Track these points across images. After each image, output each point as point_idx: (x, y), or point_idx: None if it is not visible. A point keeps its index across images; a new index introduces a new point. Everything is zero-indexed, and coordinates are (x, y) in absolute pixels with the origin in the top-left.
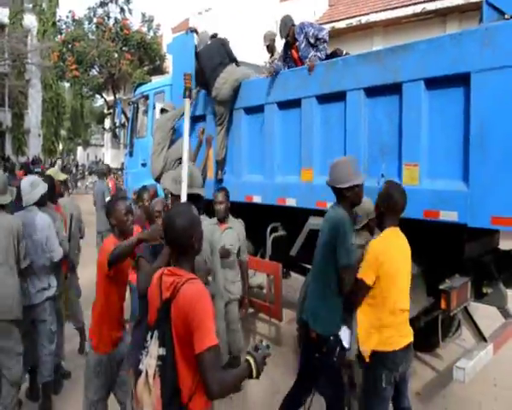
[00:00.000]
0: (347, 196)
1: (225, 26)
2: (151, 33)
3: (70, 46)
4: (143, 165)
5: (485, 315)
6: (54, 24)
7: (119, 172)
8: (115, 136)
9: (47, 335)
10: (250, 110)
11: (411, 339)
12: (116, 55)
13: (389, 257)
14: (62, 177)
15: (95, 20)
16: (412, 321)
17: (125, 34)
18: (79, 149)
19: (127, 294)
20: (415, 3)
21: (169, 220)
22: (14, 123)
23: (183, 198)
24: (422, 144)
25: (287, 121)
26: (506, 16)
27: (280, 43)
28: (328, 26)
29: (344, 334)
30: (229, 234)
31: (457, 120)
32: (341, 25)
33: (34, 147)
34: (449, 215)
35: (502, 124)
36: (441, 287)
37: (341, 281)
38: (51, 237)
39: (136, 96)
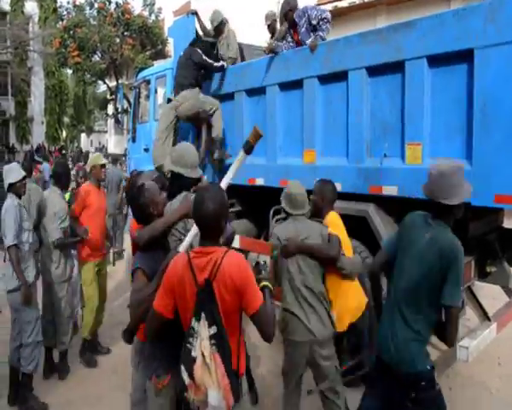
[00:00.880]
0: (454, 214)
1: (226, 8)
2: (152, 17)
3: (71, 32)
4: (146, 150)
5: (489, 294)
6: (55, 10)
7: (123, 158)
8: (118, 121)
9: (19, 324)
10: (252, 92)
11: None
12: (118, 41)
13: None
14: (103, 161)
15: (96, 5)
16: None
17: (126, 19)
18: (83, 135)
19: None
20: None
21: (201, 203)
22: (17, 111)
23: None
24: (425, 123)
25: (288, 102)
26: None
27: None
28: (330, 6)
29: None
30: None
31: (460, 97)
32: (344, 4)
33: (38, 135)
34: None
35: (505, 101)
36: None
37: (450, 324)
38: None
39: (137, 81)
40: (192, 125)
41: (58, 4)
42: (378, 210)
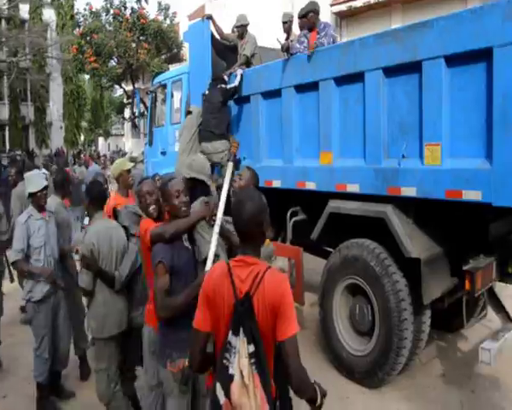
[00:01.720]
0: None
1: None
2: (167, 21)
3: (88, 38)
4: (163, 153)
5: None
6: (72, 17)
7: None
8: (135, 125)
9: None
10: (267, 95)
11: None
12: (134, 45)
13: None
14: (129, 166)
15: (112, 11)
16: (436, 302)
17: (141, 24)
18: (100, 139)
19: None
20: None
21: (238, 206)
22: (36, 117)
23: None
24: (444, 123)
25: (305, 105)
26: None
27: (296, 26)
28: (344, 6)
29: None
30: None
31: (480, 96)
32: (358, 3)
33: (57, 139)
34: (472, 195)
35: None
36: (465, 268)
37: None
38: None
39: (154, 85)
40: None
41: (75, 11)
42: (396, 211)
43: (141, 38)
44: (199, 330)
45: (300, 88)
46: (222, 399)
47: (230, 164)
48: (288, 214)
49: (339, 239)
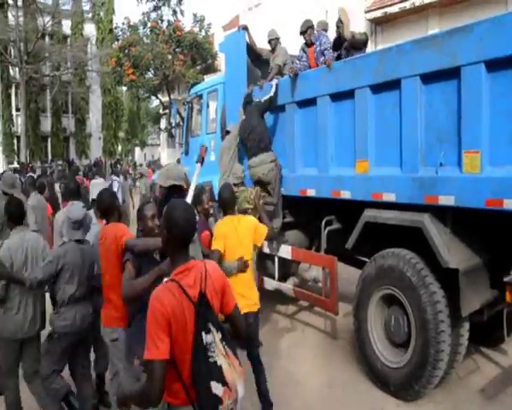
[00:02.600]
0: None
1: (275, 20)
2: (203, 33)
3: (126, 51)
4: None
5: None
6: (111, 31)
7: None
8: (171, 135)
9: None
10: (302, 104)
11: None
12: (170, 57)
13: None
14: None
15: (149, 24)
16: (475, 315)
17: (177, 36)
18: (137, 149)
19: None
20: None
21: (174, 219)
22: (76, 128)
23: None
24: (483, 130)
25: (340, 113)
26: None
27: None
28: (380, 12)
29: None
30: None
31: None
32: (394, 9)
33: (95, 149)
34: None
35: None
36: (506, 279)
37: None
38: None
39: (190, 95)
40: None
41: (114, 25)
42: (434, 220)
43: (177, 49)
44: (161, 361)
45: (336, 96)
46: (220, 391)
47: (198, 165)
48: (323, 223)
49: (374, 249)
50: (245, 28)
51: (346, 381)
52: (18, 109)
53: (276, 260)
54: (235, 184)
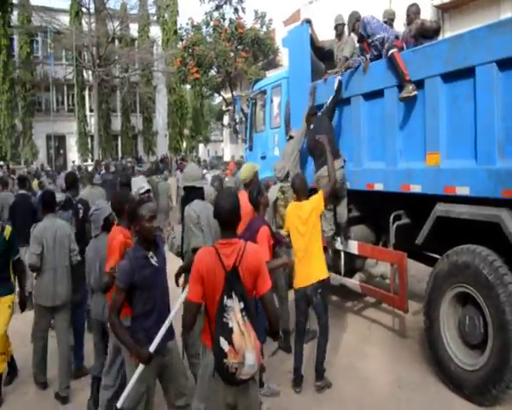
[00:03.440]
0: None
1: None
2: (264, 29)
3: (190, 51)
4: (263, 158)
5: None
6: (175, 32)
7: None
8: (236, 131)
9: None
10: (369, 96)
11: None
12: (232, 55)
13: None
14: (257, 168)
15: (211, 23)
16: None
17: (239, 33)
18: (201, 145)
19: None
20: None
21: (220, 204)
22: (144, 126)
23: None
24: None
25: (409, 104)
26: None
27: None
28: None
29: None
30: None
31: None
32: None
33: (162, 147)
34: None
35: None
36: None
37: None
38: None
39: (254, 91)
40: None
41: (178, 26)
42: None
43: (239, 46)
44: (193, 302)
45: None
46: (226, 348)
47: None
48: (391, 218)
49: (446, 245)
50: (308, 22)
51: (416, 381)
52: (91, 110)
53: (342, 255)
54: (281, 180)
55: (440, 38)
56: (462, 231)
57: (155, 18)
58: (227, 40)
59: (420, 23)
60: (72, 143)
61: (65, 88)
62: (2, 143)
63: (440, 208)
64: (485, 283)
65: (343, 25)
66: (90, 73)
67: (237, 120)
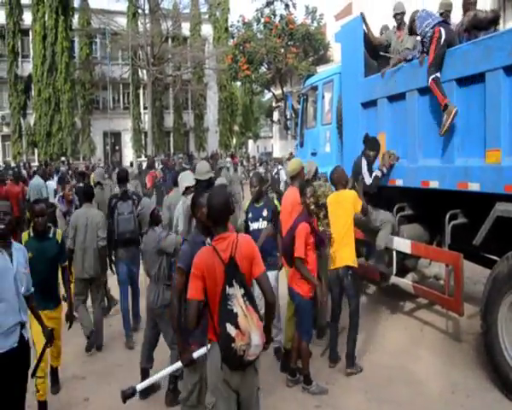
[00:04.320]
0: None
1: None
2: (315, 24)
3: (241, 48)
4: (313, 154)
5: None
6: (226, 30)
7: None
8: (286, 127)
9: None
10: (425, 90)
11: None
12: (282, 51)
13: None
14: (302, 164)
15: (262, 20)
16: None
17: (290, 29)
18: (250, 141)
19: None
20: None
21: (210, 202)
22: (195, 123)
23: None
24: None
25: (467, 99)
26: None
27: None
28: None
29: None
30: None
31: None
32: None
33: (212, 143)
34: None
35: None
36: None
37: None
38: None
39: (305, 87)
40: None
41: (229, 24)
42: None
43: (289, 43)
44: (194, 299)
45: (463, 81)
46: (233, 332)
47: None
48: (447, 217)
49: (506, 246)
50: (362, 16)
51: (471, 387)
52: (145, 108)
53: (394, 254)
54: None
55: (501, 28)
56: None
57: (207, 16)
58: (278, 36)
59: (472, 15)
60: (127, 140)
61: (121, 87)
62: (63, 140)
63: (500, 208)
64: None
65: (403, 14)
66: (144, 72)
67: (288, 117)
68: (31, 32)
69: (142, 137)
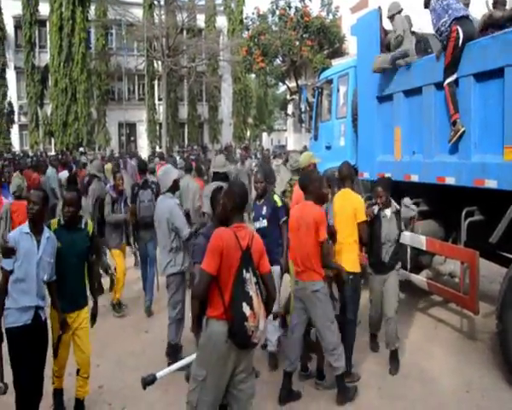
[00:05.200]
0: None
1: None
2: (330, 17)
3: (256, 40)
4: (327, 148)
5: None
6: (241, 22)
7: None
8: (301, 121)
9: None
10: (441, 86)
11: None
12: (297, 43)
13: None
14: (315, 160)
15: (277, 12)
16: None
17: (305, 22)
18: (264, 134)
19: None
20: None
21: (236, 192)
22: (209, 115)
23: None
24: None
25: (486, 94)
26: None
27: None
28: None
29: None
30: None
31: None
32: None
33: (226, 135)
34: None
35: None
36: None
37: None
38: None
39: (320, 80)
40: None
41: (244, 16)
42: None
43: (304, 35)
44: (208, 272)
45: (481, 76)
46: (248, 312)
47: None
48: (463, 214)
49: None
50: (379, 9)
51: (486, 387)
52: (160, 99)
53: (409, 250)
54: (293, 172)
55: None
56: None
57: (222, 8)
58: (293, 29)
59: (487, 15)
60: (142, 131)
61: (136, 78)
62: (79, 130)
63: None
64: None
65: (399, 13)
66: (159, 63)
67: (302, 110)
68: (48, 23)
69: (157, 128)
